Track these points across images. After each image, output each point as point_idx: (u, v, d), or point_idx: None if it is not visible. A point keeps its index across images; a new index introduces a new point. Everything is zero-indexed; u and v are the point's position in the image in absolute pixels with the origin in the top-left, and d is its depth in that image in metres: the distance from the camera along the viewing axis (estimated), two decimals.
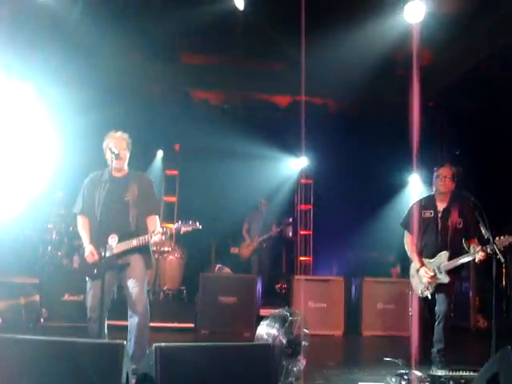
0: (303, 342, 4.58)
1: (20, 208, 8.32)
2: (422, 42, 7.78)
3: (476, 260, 5.17)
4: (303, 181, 11.05)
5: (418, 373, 4.93)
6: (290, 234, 11.00)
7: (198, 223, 4.76)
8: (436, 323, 5.47)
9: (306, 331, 4.65)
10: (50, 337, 3.51)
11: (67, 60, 8.19)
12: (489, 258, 5.10)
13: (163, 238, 4.78)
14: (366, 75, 8.44)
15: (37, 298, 7.27)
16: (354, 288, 8.38)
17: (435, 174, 5.52)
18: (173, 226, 4.80)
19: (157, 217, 4.97)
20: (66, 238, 8.76)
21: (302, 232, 11.04)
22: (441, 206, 5.51)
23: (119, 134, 4.97)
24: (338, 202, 10.11)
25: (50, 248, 8.73)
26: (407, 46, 7.76)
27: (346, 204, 9.99)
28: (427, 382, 4.73)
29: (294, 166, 10.82)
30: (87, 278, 4.85)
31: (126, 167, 5.01)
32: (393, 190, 10.06)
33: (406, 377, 4.82)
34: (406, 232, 5.64)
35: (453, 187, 5.47)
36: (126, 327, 4.89)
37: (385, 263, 9.51)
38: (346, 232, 9.72)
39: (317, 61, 7.14)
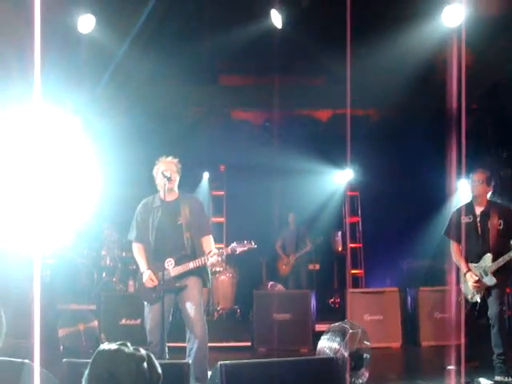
0: (365, 355, 4.55)
1: (71, 237, 8.55)
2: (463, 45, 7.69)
3: None
4: (349, 193, 10.97)
5: (483, 380, 4.83)
6: (340, 248, 10.94)
7: (253, 243, 4.82)
8: (491, 328, 5.49)
9: (368, 343, 4.62)
10: None
11: (111, 91, 8.42)
12: None
13: (219, 259, 4.84)
14: (406, 82, 8.36)
15: (95, 323, 7.40)
16: (409, 298, 8.23)
17: (470, 180, 5.71)
18: (228, 247, 4.85)
19: (211, 237, 5.03)
20: (119, 264, 8.92)
21: (351, 245, 10.94)
22: (478, 210, 5.62)
23: (169, 158, 5.09)
24: (386, 212, 10.02)
25: (104, 274, 8.91)
26: (447, 51, 7.69)
27: (394, 214, 9.87)
28: None
29: (339, 178, 10.76)
30: (145, 303, 4.93)
31: (176, 190, 5.10)
32: (442, 196, 9.87)
33: None
34: (451, 241, 5.75)
35: (487, 191, 5.63)
36: (185, 348, 4.93)
37: (439, 271, 9.32)
38: (396, 242, 9.60)
39: (356, 71, 7.13)
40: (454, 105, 7.70)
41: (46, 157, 7.05)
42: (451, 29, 6.89)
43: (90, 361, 1.32)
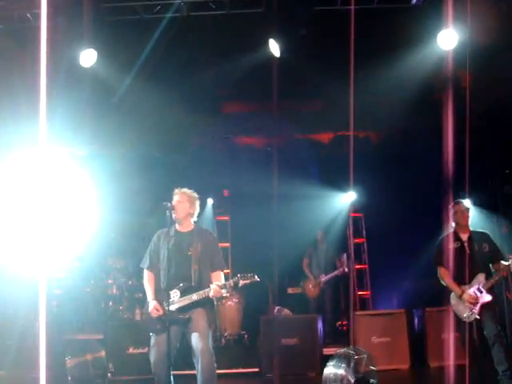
0: (371, 380, 4.55)
1: (77, 266, 8.59)
2: (460, 67, 7.79)
3: None
4: (353, 214, 10.96)
5: None
6: (346, 270, 10.88)
7: (256, 276, 4.88)
8: (491, 347, 5.62)
9: (374, 368, 4.62)
10: None
11: (115, 123, 8.52)
12: None
13: (222, 291, 4.85)
14: (405, 104, 8.48)
15: (103, 353, 7.40)
16: (416, 319, 8.22)
17: (453, 211, 6.14)
18: (231, 280, 4.88)
19: (221, 273, 5.08)
20: (126, 292, 8.91)
21: (357, 266, 10.91)
22: (464, 237, 6.00)
23: (180, 190, 5.18)
24: (390, 233, 10.00)
25: (111, 303, 8.91)
26: (445, 72, 7.79)
27: (398, 235, 9.86)
28: None
29: (342, 200, 10.76)
30: (151, 334, 4.95)
31: (191, 223, 5.17)
32: (445, 216, 9.87)
33: None
34: (438, 268, 6.07)
35: (469, 219, 6.08)
36: (191, 376, 4.93)
37: (445, 290, 9.30)
38: (401, 263, 9.54)
39: (356, 94, 7.22)
40: (453, 124, 7.79)
41: (51, 188, 7.13)
42: (447, 51, 7.00)
43: None
